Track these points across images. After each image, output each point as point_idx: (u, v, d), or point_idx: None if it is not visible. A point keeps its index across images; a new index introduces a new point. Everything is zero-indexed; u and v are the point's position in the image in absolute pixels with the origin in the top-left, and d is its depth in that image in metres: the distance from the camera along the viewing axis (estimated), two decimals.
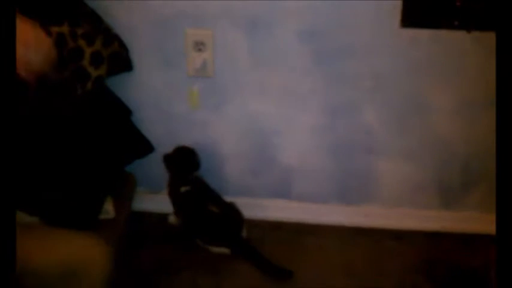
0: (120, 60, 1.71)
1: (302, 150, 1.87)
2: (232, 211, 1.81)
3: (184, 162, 1.82)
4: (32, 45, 1.19)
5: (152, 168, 1.90)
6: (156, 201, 1.95)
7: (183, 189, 1.80)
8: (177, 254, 1.79)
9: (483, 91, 1.73)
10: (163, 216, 1.92)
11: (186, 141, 1.85)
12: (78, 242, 1.28)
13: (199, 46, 1.73)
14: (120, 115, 1.76)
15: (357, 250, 1.83)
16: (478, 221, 1.88)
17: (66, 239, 1.27)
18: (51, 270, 1.21)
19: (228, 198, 1.83)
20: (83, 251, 1.26)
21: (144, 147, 1.83)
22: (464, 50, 1.68)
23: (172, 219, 1.89)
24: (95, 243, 1.28)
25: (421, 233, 1.88)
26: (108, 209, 1.70)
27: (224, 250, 1.79)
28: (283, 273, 1.72)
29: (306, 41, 1.70)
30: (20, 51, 1.11)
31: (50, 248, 1.23)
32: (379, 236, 1.87)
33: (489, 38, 1.65)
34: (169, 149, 1.86)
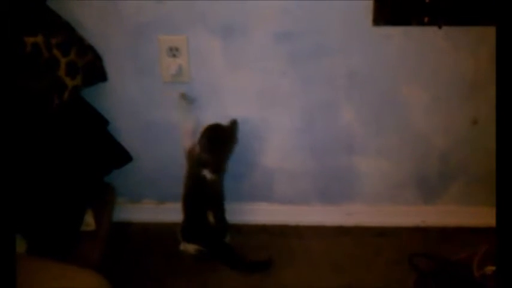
0: (95, 70, 1.69)
1: (282, 152, 1.87)
2: (222, 225, 1.78)
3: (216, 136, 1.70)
4: None
5: (131, 178, 1.88)
6: (137, 211, 1.94)
7: (205, 173, 1.71)
8: (161, 264, 1.77)
9: (457, 85, 1.75)
10: (145, 226, 1.90)
11: (164, 148, 1.84)
12: (80, 278, 1.25)
13: (173, 52, 1.72)
14: (96, 126, 1.75)
15: (341, 249, 1.83)
16: (458, 214, 1.91)
17: (68, 275, 1.25)
18: None
19: None
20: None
21: (122, 157, 1.82)
22: (437, 45, 1.70)
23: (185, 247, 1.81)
24: (98, 281, 1.26)
25: (403, 229, 1.89)
26: (89, 221, 1.69)
27: (195, 248, 1.78)
28: (262, 266, 1.74)
29: (281, 43, 1.70)
30: None
31: (57, 284, 1.21)
32: (362, 234, 1.88)
33: (460, 33, 1.68)
34: (147, 157, 1.85)
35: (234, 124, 1.74)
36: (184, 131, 1.75)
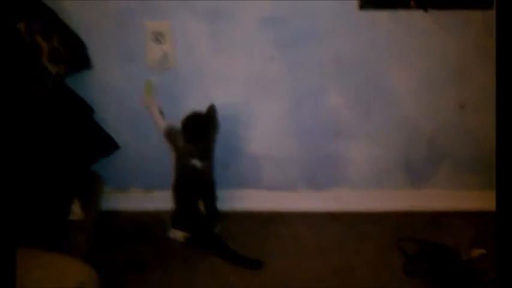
0: (79, 57, 1.67)
1: (269, 138, 1.86)
2: (213, 214, 1.77)
3: (200, 124, 1.69)
4: None
5: (118, 166, 1.87)
6: (124, 200, 1.92)
7: (195, 162, 1.71)
8: (149, 252, 1.76)
9: (444, 68, 1.75)
10: (132, 214, 1.88)
11: (151, 136, 1.82)
12: (70, 267, 1.25)
13: (158, 38, 1.70)
14: (82, 114, 1.73)
15: (329, 234, 1.83)
16: (446, 198, 1.92)
17: (55, 264, 1.24)
18: None
19: None
20: (74, 277, 1.23)
21: (109, 145, 1.80)
22: (424, 29, 1.70)
23: (174, 234, 1.79)
24: (84, 270, 1.26)
25: (391, 214, 1.89)
26: (76, 210, 1.67)
27: (184, 234, 1.77)
28: (253, 264, 1.71)
29: (267, 28, 1.69)
30: None
31: (44, 273, 1.20)
32: (350, 219, 1.88)
33: (447, 17, 1.68)
34: (134, 145, 1.84)
35: (211, 109, 1.71)
36: (154, 114, 1.75)
